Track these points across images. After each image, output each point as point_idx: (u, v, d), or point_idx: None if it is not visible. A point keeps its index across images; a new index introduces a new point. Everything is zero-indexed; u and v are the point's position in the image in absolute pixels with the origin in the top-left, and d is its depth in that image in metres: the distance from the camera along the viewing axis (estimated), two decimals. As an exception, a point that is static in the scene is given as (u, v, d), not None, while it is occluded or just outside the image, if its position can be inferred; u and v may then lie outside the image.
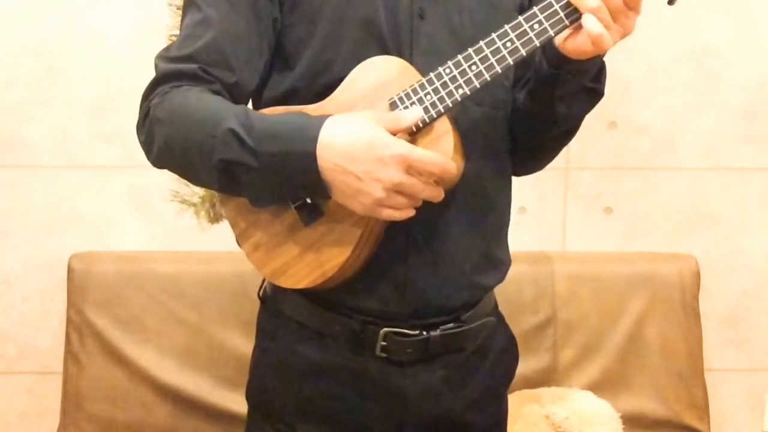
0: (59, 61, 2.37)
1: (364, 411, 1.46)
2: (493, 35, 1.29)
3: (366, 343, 1.43)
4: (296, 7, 1.39)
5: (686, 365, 2.39)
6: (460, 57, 1.30)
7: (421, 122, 1.31)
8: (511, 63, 1.29)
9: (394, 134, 1.28)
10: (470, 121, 1.40)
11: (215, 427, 2.27)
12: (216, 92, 1.35)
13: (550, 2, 1.28)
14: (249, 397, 1.55)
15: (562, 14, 1.28)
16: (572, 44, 1.30)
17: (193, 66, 1.34)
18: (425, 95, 1.30)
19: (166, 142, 1.33)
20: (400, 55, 1.37)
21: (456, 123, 1.33)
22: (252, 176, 1.28)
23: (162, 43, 1.88)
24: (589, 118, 1.51)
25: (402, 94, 1.31)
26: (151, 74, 1.38)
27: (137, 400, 2.26)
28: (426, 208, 1.32)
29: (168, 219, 2.40)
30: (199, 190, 2.29)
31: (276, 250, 1.37)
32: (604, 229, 2.55)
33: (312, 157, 1.25)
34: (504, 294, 1.59)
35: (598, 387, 2.35)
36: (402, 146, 1.26)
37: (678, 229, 2.56)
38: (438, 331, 1.45)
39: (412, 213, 1.30)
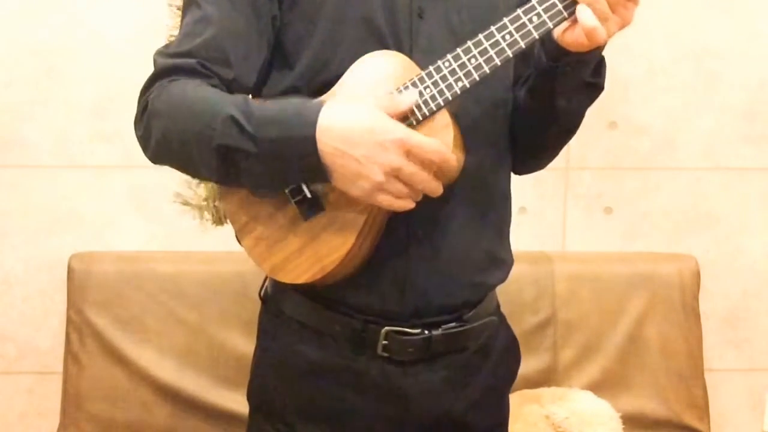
0: (59, 61, 2.37)
1: (365, 411, 1.46)
2: (492, 28, 1.30)
3: (367, 342, 1.43)
4: (295, 5, 1.39)
5: (686, 365, 2.40)
6: (459, 50, 1.30)
7: (420, 114, 1.31)
8: (511, 55, 1.29)
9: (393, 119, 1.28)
10: (470, 119, 1.40)
11: (215, 427, 2.27)
12: (214, 87, 1.35)
13: None
14: (250, 398, 1.55)
15: (560, 6, 1.28)
16: (570, 36, 1.30)
17: (191, 61, 1.35)
18: (425, 88, 1.31)
19: (164, 134, 1.34)
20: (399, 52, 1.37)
21: (456, 120, 1.33)
22: (251, 163, 1.28)
23: (162, 44, 1.88)
24: (589, 118, 1.51)
25: (401, 87, 1.31)
26: (152, 74, 1.39)
27: (137, 400, 2.26)
28: (427, 203, 1.32)
29: (168, 219, 2.39)
30: (202, 192, 2.29)
31: (276, 245, 1.38)
32: (604, 229, 2.55)
33: (311, 140, 1.25)
34: (504, 294, 1.59)
35: (598, 387, 2.35)
36: (402, 131, 1.27)
37: (678, 229, 2.56)
38: (440, 330, 1.45)
39: (411, 205, 1.30)
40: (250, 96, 1.43)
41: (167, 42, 1.52)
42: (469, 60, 1.30)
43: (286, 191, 1.35)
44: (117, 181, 2.42)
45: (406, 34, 1.39)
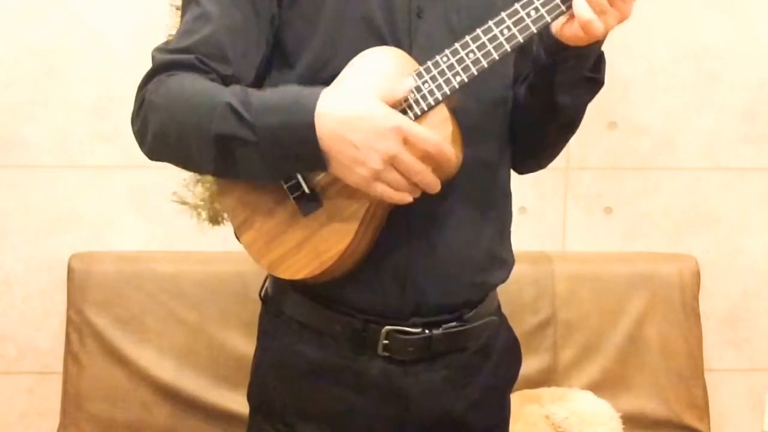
0: (59, 61, 2.37)
1: (365, 411, 1.45)
2: (490, 23, 1.30)
3: (368, 342, 1.43)
4: (295, 4, 1.39)
5: (686, 365, 2.40)
6: (457, 45, 1.31)
7: (419, 109, 1.31)
8: (509, 50, 1.30)
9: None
10: (471, 117, 1.40)
11: (215, 427, 2.27)
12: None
13: None
14: (250, 398, 1.55)
15: (558, 0, 1.28)
16: (569, 30, 1.31)
17: (190, 57, 1.35)
18: (423, 83, 1.31)
19: (161, 127, 1.34)
20: None
21: (456, 117, 1.34)
22: (249, 151, 1.28)
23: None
24: (589, 118, 1.51)
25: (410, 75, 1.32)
26: (152, 74, 1.39)
27: (137, 400, 2.26)
28: (426, 200, 1.32)
29: (168, 219, 2.40)
30: (200, 192, 2.29)
31: (274, 241, 1.38)
32: (604, 229, 2.55)
33: (310, 126, 1.26)
34: (504, 294, 1.59)
35: (598, 387, 2.35)
36: (400, 118, 1.27)
37: (678, 229, 2.56)
38: (440, 329, 1.45)
39: (409, 199, 1.30)
40: None
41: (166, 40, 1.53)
42: (467, 55, 1.30)
43: (285, 186, 1.35)
44: (117, 181, 2.42)
45: (405, 33, 1.39)
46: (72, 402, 2.27)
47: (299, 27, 1.39)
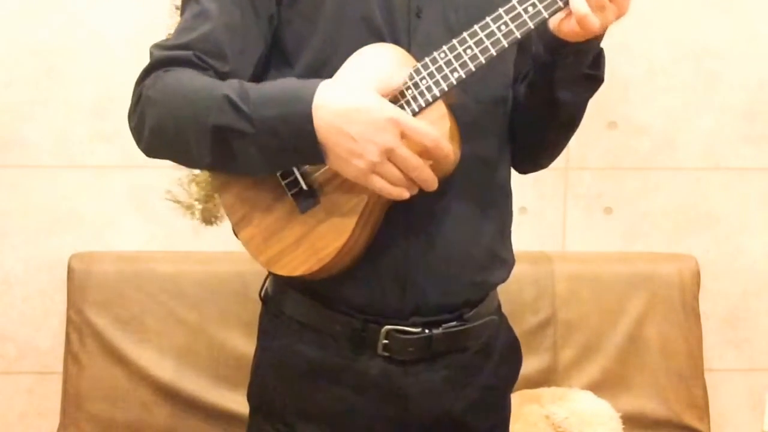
0: (59, 61, 2.37)
1: (365, 411, 1.45)
2: (488, 19, 1.30)
3: (367, 342, 1.43)
4: (295, 3, 1.39)
5: (686, 365, 2.39)
6: (455, 41, 1.31)
7: (416, 105, 1.31)
8: (506, 46, 1.30)
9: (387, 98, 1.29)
10: (470, 116, 1.40)
11: (215, 427, 2.27)
12: None
13: None
14: (250, 398, 1.55)
15: None
16: (567, 26, 1.31)
17: (187, 53, 1.35)
18: (420, 80, 1.31)
19: (158, 121, 1.34)
20: None
21: (455, 116, 1.34)
22: (247, 143, 1.29)
23: (162, 43, 1.88)
24: (589, 118, 1.51)
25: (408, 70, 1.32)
26: (152, 73, 1.39)
27: (137, 400, 2.26)
28: (426, 198, 1.33)
29: (168, 219, 2.39)
30: (194, 192, 2.29)
31: (272, 237, 1.38)
32: (604, 229, 2.55)
33: (308, 118, 1.26)
34: (504, 294, 1.59)
35: (598, 387, 2.35)
36: (397, 111, 1.28)
37: (678, 229, 2.56)
38: (440, 329, 1.45)
39: (406, 195, 1.30)
40: None
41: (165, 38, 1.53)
42: (464, 51, 1.30)
43: (283, 183, 1.35)
44: (117, 181, 2.42)
45: (404, 33, 1.39)
46: (72, 402, 2.27)
47: (298, 26, 1.40)
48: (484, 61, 1.30)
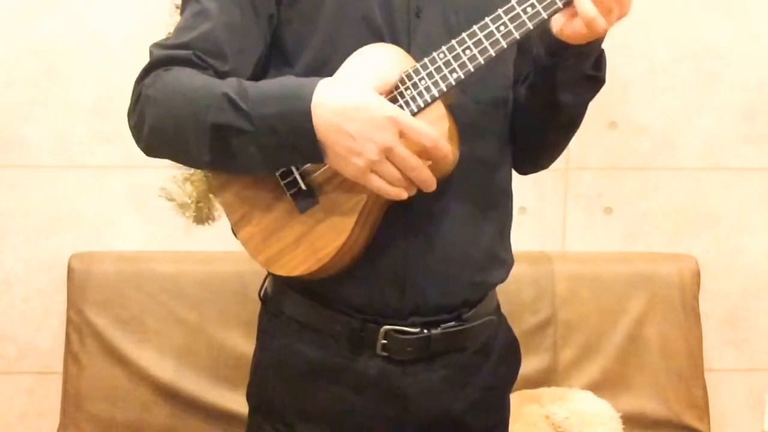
0: (59, 61, 2.37)
1: (365, 411, 1.46)
2: (487, 19, 1.30)
3: (366, 342, 1.43)
4: (295, 3, 1.39)
5: (686, 365, 2.39)
6: (453, 42, 1.31)
7: (415, 106, 1.31)
8: (505, 46, 1.30)
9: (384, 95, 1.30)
10: (470, 118, 1.40)
11: (215, 427, 2.27)
12: None
13: None
14: (249, 398, 1.55)
15: None
16: (569, 29, 1.31)
17: (187, 52, 1.36)
18: (419, 80, 1.31)
19: (157, 119, 1.34)
20: None
21: (454, 116, 1.34)
22: (246, 141, 1.29)
23: (162, 43, 1.88)
24: (589, 118, 1.51)
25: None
26: (151, 73, 1.39)
27: (137, 400, 2.26)
28: (425, 199, 1.33)
29: (168, 219, 2.38)
30: (189, 190, 2.28)
31: (271, 237, 1.38)
32: (604, 229, 2.55)
33: (306, 116, 1.26)
34: (504, 294, 1.59)
35: (598, 387, 2.35)
36: (395, 110, 1.28)
37: (678, 229, 2.56)
38: (439, 329, 1.45)
39: (404, 195, 1.30)
40: None
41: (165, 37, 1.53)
42: (463, 51, 1.30)
43: (282, 183, 1.35)
44: (117, 181, 2.42)
45: (404, 33, 1.39)
46: (72, 402, 2.27)
47: (298, 26, 1.40)
48: (483, 62, 1.30)
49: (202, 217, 2.21)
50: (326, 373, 1.45)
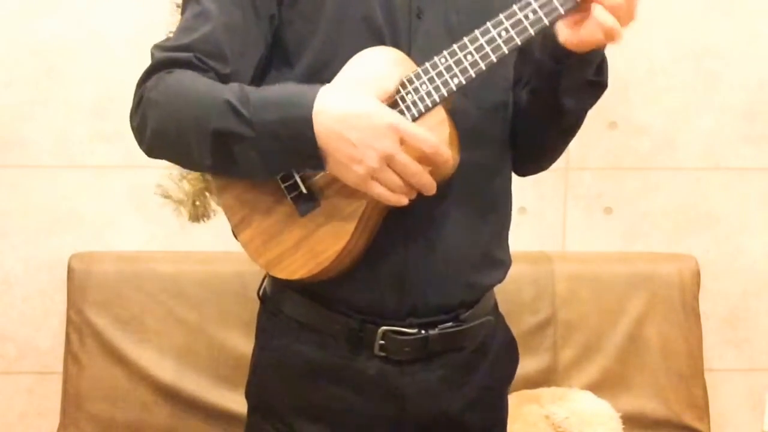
0: (59, 61, 2.37)
1: (363, 410, 1.46)
2: (488, 24, 1.30)
3: (365, 342, 1.43)
4: (296, 4, 1.39)
5: (686, 365, 2.39)
6: (455, 46, 1.30)
7: (416, 111, 1.31)
8: (506, 52, 1.29)
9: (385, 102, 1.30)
10: (470, 121, 1.40)
11: (215, 427, 2.27)
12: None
13: None
14: (248, 397, 1.55)
15: (556, 3, 1.28)
16: (576, 38, 1.30)
17: (188, 55, 1.35)
18: (421, 85, 1.31)
19: (160, 123, 1.34)
20: None
21: (454, 120, 1.34)
22: (247, 147, 1.29)
23: (162, 43, 1.88)
24: (589, 118, 1.51)
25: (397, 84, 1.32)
26: (151, 73, 1.39)
27: (137, 400, 2.26)
28: (424, 202, 1.32)
29: (168, 219, 2.39)
30: (185, 187, 2.28)
31: (272, 240, 1.38)
32: (604, 229, 2.55)
33: (308, 123, 1.26)
34: (504, 294, 1.59)
35: (598, 387, 2.35)
36: (396, 117, 1.28)
37: (678, 229, 2.56)
38: (436, 330, 1.45)
39: (404, 201, 1.30)
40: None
41: (166, 37, 1.53)
42: (465, 56, 1.30)
43: (282, 186, 1.35)
44: (117, 181, 2.42)
45: (405, 33, 1.39)
46: (72, 402, 2.27)
47: (299, 26, 1.40)
48: (484, 68, 1.30)
49: (198, 214, 2.21)
50: (325, 373, 1.45)
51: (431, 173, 1.29)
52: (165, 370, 2.27)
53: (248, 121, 1.28)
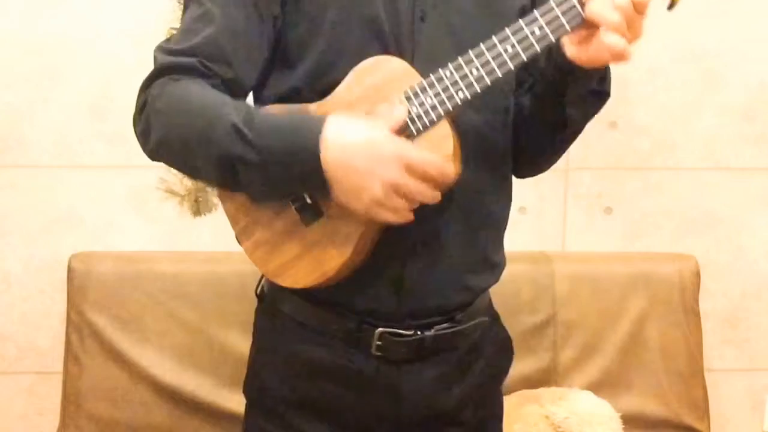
0: (59, 61, 2.37)
1: (360, 409, 1.46)
2: (494, 38, 1.29)
3: (362, 342, 1.44)
4: (299, 5, 1.38)
5: (686, 365, 2.39)
6: (461, 60, 1.30)
7: (421, 124, 1.31)
8: (512, 68, 1.29)
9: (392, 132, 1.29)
10: (470, 128, 1.40)
11: (215, 427, 2.27)
12: (214, 87, 1.35)
13: (551, 6, 1.27)
14: (246, 393, 1.56)
15: (563, 20, 1.27)
16: (583, 55, 1.30)
17: (192, 60, 1.34)
18: (426, 98, 1.31)
19: (165, 135, 1.34)
20: (401, 56, 1.36)
21: (459, 135, 1.33)
22: (252, 171, 1.28)
23: (162, 43, 1.88)
24: (589, 119, 1.51)
25: (403, 97, 1.31)
26: (152, 74, 1.38)
27: (137, 400, 2.26)
28: (424, 210, 1.32)
29: (168, 219, 2.40)
30: (187, 181, 2.28)
31: (277, 249, 1.38)
32: (604, 229, 2.55)
33: (314, 152, 1.26)
34: (503, 294, 1.59)
35: (598, 387, 2.35)
36: (401, 145, 1.27)
37: (678, 229, 2.56)
38: (432, 331, 1.45)
39: (410, 218, 1.30)
40: (251, 93, 1.43)
41: (167, 36, 1.52)
42: (470, 71, 1.29)
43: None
44: (117, 181, 2.42)
45: (408, 36, 1.38)
46: (72, 402, 2.27)
47: (302, 29, 1.39)
48: (489, 83, 1.29)
49: (200, 209, 2.21)
50: (323, 372, 1.46)
51: (434, 186, 1.29)
52: (165, 370, 2.27)
53: (254, 145, 1.27)
